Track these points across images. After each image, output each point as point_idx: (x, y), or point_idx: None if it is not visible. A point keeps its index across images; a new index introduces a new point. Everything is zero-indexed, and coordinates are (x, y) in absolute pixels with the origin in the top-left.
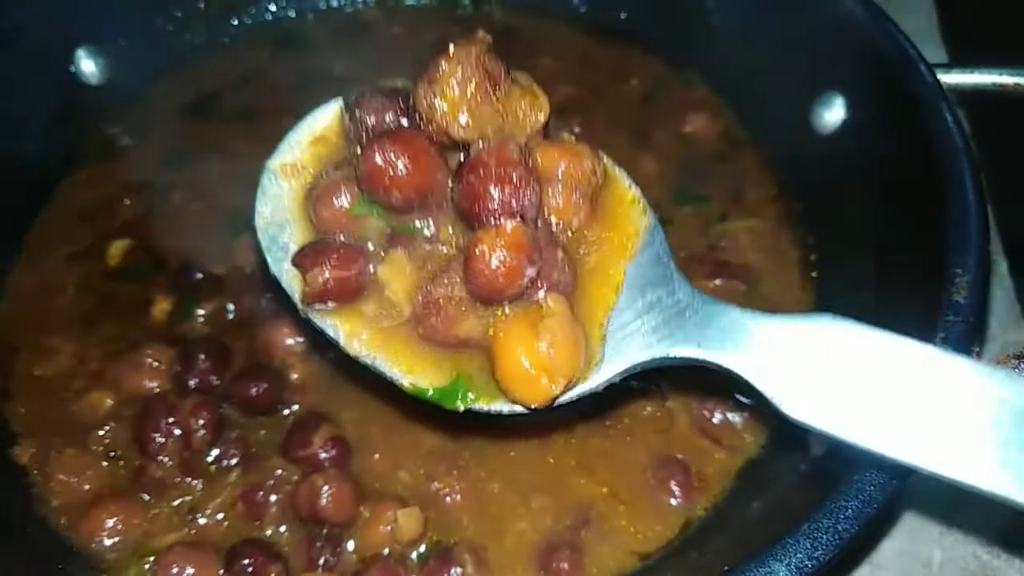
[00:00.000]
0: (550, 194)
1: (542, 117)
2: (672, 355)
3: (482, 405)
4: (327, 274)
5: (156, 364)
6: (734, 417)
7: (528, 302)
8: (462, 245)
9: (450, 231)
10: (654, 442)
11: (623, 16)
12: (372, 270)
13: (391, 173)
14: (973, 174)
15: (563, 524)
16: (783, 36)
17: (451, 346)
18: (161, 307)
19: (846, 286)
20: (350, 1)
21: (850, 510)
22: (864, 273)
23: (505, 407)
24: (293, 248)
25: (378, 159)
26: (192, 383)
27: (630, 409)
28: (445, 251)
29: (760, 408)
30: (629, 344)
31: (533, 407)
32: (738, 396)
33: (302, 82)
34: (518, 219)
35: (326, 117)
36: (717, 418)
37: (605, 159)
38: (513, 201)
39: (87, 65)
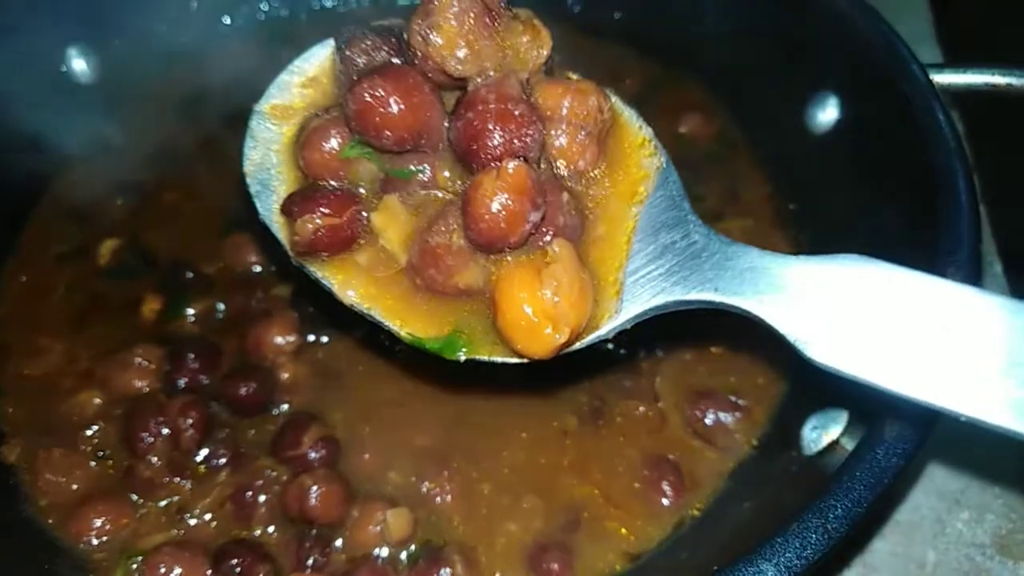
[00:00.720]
0: (554, 134)
1: (544, 52)
2: (688, 299)
3: (483, 356)
4: (317, 221)
5: (145, 364)
6: (726, 417)
7: (532, 248)
8: (460, 190)
9: (447, 175)
10: (646, 442)
11: (617, 16)
12: (365, 217)
13: (382, 110)
14: (965, 174)
15: (554, 525)
16: (777, 36)
17: (450, 296)
18: (151, 306)
19: None
20: (343, 1)
21: (840, 510)
22: None
23: (509, 358)
24: (284, 193)
25: (368, 96)
26: (181, 383)
27: (622, 409)
28: (442, 196)
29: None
30: (642, 289)
31: (536, 358)
32: (732, 401)
33: None
34: (520, 159)
35: (318, 59)
36: (709, 419)
37: (614, 98)
38: (515, 140)
39: (79, 64)
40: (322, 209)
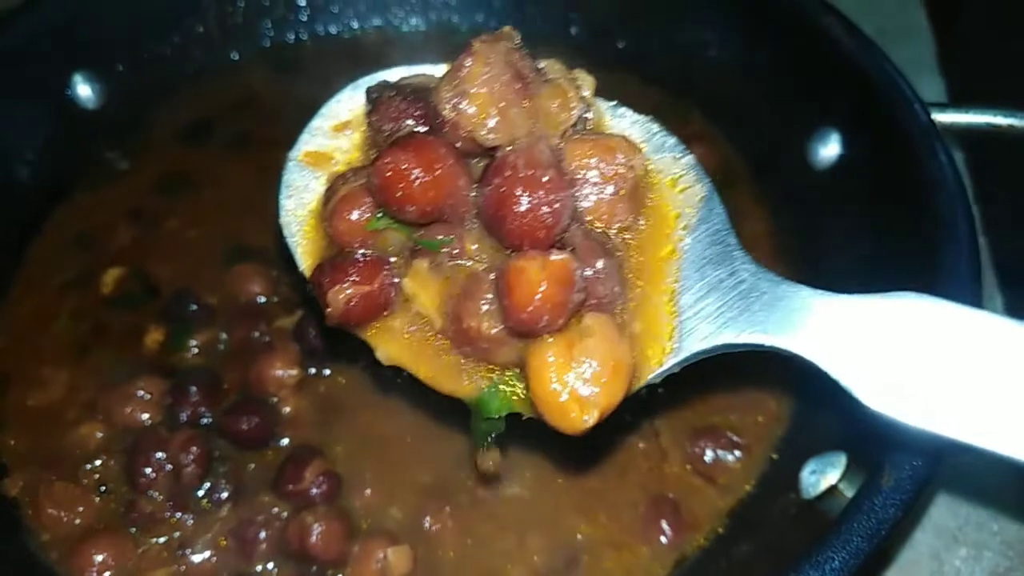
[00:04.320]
0: (583, 195)
1: (574, 115)
2: (738, 343)
3: (523, 413)
4: (349, 290)
5: (147, 396)
6: (725, 455)
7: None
8: (487, 259)
9: (475, 247)
10: (647, 480)
11: (621, 46)
12: (397, 283)
13: (403, 185)
14: (965, 213)
15: (553, 563)
16: (780, 70)
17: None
18: (154, 337)
19: None
20: (347, 27)
21: (837, 561)
22: None
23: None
24: (322, 246)
25: (389, 171)
26: (183, 416)
27: (624, 446)
28: (470, 266)
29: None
30: (690, 332)
31: (567, 434)
32: (732, 439)
33: (299, 108)
34: (567, 252)
35: (350, 102)
36: (709, 456)
37: (655, 127)
38: (543, 206)
39: (84, 90)
40: (352, 277)
